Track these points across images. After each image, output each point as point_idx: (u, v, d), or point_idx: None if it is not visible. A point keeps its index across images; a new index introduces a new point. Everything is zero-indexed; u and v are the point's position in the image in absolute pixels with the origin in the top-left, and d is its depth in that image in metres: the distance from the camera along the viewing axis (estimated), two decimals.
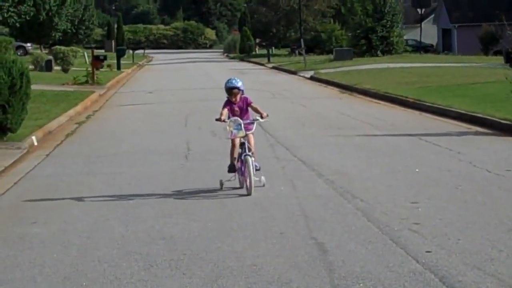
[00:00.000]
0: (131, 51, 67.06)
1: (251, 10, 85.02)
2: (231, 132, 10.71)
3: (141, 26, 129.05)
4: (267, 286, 6.65)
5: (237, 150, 10.94)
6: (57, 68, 43.80)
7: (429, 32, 72.60)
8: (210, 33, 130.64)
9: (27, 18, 55.77)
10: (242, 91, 11.04)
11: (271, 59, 62.18)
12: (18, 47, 63.65)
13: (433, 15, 78.11)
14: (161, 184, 11.59)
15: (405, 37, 61.79)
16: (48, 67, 43.32)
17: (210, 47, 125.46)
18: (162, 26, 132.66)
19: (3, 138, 16.17)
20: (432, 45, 74.62)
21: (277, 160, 13.25)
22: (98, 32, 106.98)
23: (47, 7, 63.23)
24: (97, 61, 37.88)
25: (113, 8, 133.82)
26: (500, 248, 7.53)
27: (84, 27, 77.86)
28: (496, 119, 17.64)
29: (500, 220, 8.65)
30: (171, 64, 63.44)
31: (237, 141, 10.91)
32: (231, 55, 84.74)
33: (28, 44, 69.91)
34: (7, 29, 63.82)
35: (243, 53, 78.94)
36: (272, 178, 11.36)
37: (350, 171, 12.12)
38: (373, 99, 26.37)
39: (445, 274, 6.77)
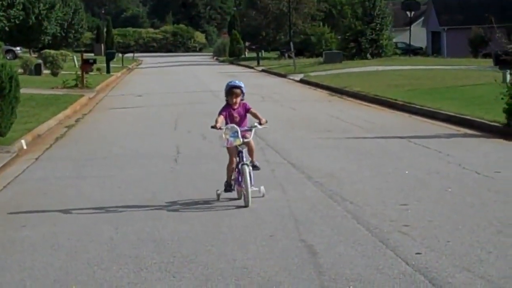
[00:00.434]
0: (120, 55, 66.97)
1: (241, 14, 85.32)
2: (227, 140, 10.01)
3: (130, 29, 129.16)
4: None
5: (235, 164, 10.28)
6: (46, 72, 43.74)
7: (418, 35, 72.91)
8: (200, 36, 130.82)
9: (17, 22, 55.76)
10: (243, 94, 10.31)
11: (261, 62, 62.25)
12: (7, 51, 63.45)
13: (422, 18, 78.41)
14: (151, 187, 11.58)
15: (394, 40, 62.02)
16: (37, 70, 43.27)
17: (200, 50, 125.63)
18: (151, 30, 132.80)
19: None
20: (421, 48, 74.87)
21: (267, 163, 13.24)
22: (88, 35, 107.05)
23: (36, 11, 63.23)
24: (86, 65, 37.84)
25: (103, 11, 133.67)
26: (489, 249, 7.55)
27: (73, 31, 77.89)
28: (485, 121, 17.70)
29: (489, 222, 8.67)
30: (161, 68, 63.38)
31: (234, 155, 10.24)
32: (221, 58, 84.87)
33: (18, 48, 69.72)
34: None
35: (233, 56, 79.11)
36: (262, 181, 11.35)
37: (340, 174, 12.13)
38: (363, 101, 26.41)
39: (435, 275, 6.78)
